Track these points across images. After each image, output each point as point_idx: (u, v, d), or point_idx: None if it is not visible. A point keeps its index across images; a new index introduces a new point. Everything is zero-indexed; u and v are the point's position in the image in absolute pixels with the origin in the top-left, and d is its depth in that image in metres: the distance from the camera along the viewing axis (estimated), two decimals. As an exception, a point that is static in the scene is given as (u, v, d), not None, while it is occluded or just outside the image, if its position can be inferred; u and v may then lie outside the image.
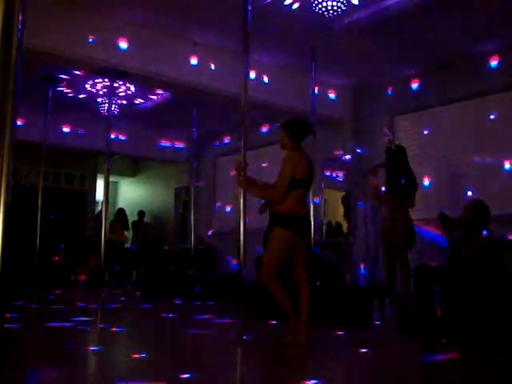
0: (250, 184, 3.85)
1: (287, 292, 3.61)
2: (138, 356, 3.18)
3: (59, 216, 11.18)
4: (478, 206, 4.90)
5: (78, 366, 2.97)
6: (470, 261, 4.58)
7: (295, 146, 3.80)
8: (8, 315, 4.19)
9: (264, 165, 9.06)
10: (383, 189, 5.81)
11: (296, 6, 5.68)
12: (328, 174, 8.73)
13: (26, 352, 3.24)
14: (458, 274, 4.53)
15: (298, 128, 3.86)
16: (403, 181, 5.56)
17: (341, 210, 9.31)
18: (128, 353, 3.46)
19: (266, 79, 7.45)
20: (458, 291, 4.31)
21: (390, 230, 5.55)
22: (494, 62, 6.64)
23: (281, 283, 3.61)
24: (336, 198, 9.47)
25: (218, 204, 10.90)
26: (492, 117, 6.76)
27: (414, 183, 5.65)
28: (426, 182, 7.22)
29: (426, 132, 7.51)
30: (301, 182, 3.66)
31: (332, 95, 8.16)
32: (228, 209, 10.30)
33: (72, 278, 10.07)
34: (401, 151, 5.77)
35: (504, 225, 5.81)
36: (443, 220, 5.20)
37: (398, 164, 5.67)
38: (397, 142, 6.09)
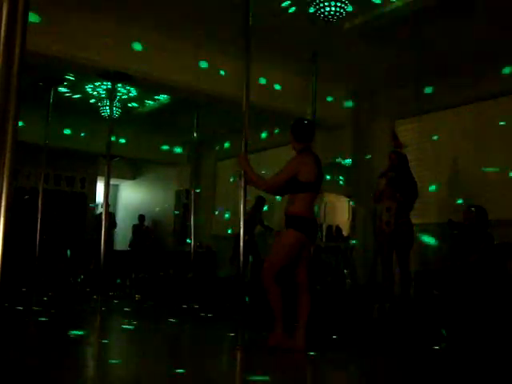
0: (248, 165, 3.83)
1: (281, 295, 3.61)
2: (137, 359, 3.17)
3: (59, 218, 11.18)
4: (476, 211, 4.91)
5: (74, 369, 2.96)
6: (468, 270, 4.59)
7: (302, 148, 3.76)
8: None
9: (264, 171, 9.05)
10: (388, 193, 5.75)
11: (293, 9, 5.69)
12: (328, 177, 8.72)
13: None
14: (457, 280, 4.53)
15: (297, 128, 3.82)
16: (409, 185, 5.58)
17: (341, 213, 9.28)
18: (127, 357, 3.45)
19: (267, 83, 7.45)
20: (457, 296, 4.30)
21: (392, 234, 5.53)
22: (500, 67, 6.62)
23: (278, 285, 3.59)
24: (336, 201, 9.45)
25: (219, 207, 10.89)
26: (493, 122, 6.75)
27: (416, 191, 5.68)
28: (427, 186, 7.19)
29: (426, 136, 7.50)
30: (307, 186, 3.62)
31: (332, 99, 8.16)
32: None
33: (71, 280, 10.05)
34: (405, 157, 5.78)
35: (507, 230, 5.80)
36: (451, 226, 5.24)
37: (404, 169, 5.69)
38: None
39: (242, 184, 3.86)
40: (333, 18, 5.19)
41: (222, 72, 7.03)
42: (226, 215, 10.30)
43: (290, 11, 5.70)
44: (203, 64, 6.89)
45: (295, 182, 3.62)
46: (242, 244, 3.78)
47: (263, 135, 9.51)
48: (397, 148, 5.86)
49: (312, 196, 3.67)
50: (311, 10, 5.33)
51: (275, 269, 3.57)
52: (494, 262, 4.58)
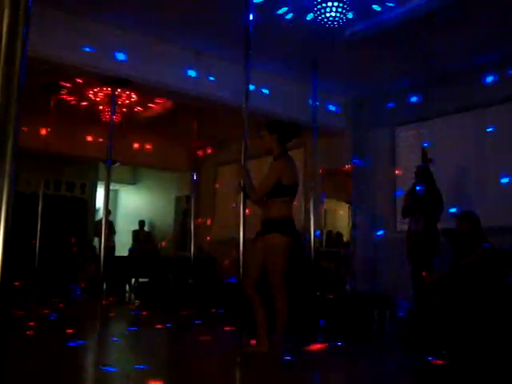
0: (247, 175, 3.73)
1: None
2: (137, 368, 3.16)
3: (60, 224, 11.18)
4: (469, 219, 4.92)
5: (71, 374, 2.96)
6: (462, 276, 4.58)
7: (282, 151, 3.67)
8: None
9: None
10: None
11: (290, 15, 5.70)
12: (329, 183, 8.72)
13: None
14: (453, 287, 4.53)
15: (286, 130, 3.69)
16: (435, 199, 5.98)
17: (341, 219, 9.28)
18: (128, 365, 3.43)
19: (266, 89, 7.46)
20: (456, 303, 4.30)
21: (420, 243, 5.78)
22: (491, 75, 6.66)
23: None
24: (336, 207, 9.45)
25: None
26: (491, 129, 6.75)
27: (441, 204, 6.02)
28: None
29: (426, 144, 7.50)
30: (289, 189, 3.60)
31: (332, 106, 8.17)
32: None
33: (71, 286, 10.02)
34: (431, 173, 6.14)
35: (503, 237, 5.80)
36: (446, 234, 5.33)
37: (430, 183, 6.05)
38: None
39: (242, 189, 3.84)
40: (333, 23, 5.20)
41: (222, 78, 7.03)
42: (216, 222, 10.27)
43: (288, 17, 5.70)
44: (203, 69, 6.90)
45: (278, 187, 3.55)
46: (241, 248, 3.75)
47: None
48: (424, 162, 6.18)
49: (292, 199, 3.64)
50: (311, 15, 5.35)
51: (282, 276, 3.52)
52: (490, 266, 4.57)
